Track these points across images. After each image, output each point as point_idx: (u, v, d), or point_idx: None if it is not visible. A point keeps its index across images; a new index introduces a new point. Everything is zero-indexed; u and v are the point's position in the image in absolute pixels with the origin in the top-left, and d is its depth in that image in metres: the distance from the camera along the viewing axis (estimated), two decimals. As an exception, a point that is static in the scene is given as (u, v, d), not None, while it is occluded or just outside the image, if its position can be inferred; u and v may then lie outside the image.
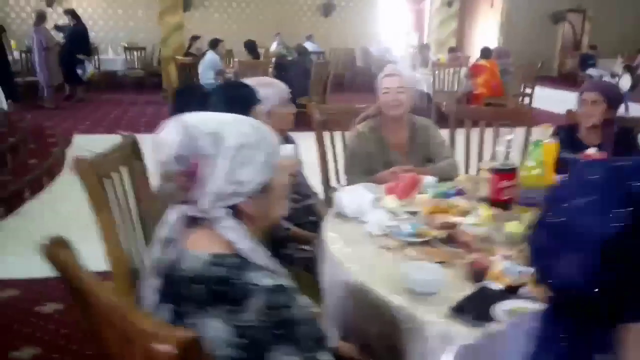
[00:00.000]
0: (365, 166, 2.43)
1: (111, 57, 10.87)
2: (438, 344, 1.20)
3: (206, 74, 7.46)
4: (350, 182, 2.36)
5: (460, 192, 2.04)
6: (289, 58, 8.15)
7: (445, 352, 1.17)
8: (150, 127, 7.32)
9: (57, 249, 0.95)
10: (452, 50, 10.53)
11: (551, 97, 9.43)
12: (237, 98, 1.67)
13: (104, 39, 10.75)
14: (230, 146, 0.98)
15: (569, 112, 2.86)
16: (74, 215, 4.04)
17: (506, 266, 1.39)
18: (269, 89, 1.93)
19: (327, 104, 6.51)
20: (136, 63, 10.97)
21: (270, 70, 7.49)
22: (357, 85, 12.08)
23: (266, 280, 0.95)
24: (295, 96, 2.55)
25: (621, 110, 2.64)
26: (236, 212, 1.02)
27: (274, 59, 8.24)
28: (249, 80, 1.95)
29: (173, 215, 1.06)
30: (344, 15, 13.46)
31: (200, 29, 10.25)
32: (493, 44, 11.69)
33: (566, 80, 14.53)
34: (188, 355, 0.63)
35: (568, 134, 2.55)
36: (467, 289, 1.36)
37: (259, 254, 1.00)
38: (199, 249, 1.01)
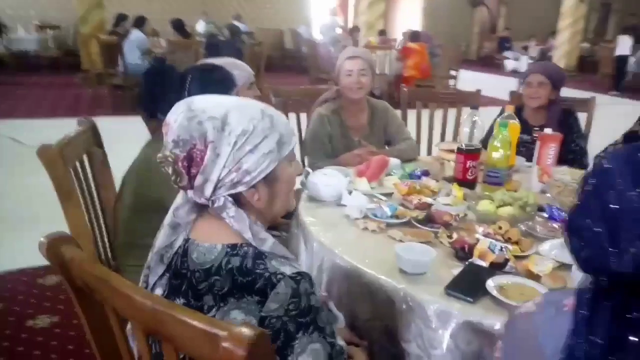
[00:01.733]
0: (327, 149, 2.42)
1: (22, 36, 10.09)
2: (438, 321, 1.23)
3: (132, 53, 7.12)
4: (312, 165, 2.34)
5: (426, 173, 2.09)
6: (221, 38, 7.91)
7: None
8: (73, 111, 6.96)
9: (60, 246, 0.88)
10: (382, 33, 10.68)
11: (473, 80, 9.82)
12: (215, 81, 1.59)
13: (13, 17, 9.93)
14: (234, 132, 0.93)
15: (514, 93, 2.99)
16: (6, 211, 3.76)
17: (489, 243, 1.44)
18: (235, 71, 1.86)
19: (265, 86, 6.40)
20: (50, 42, 10.26)
21: (201, 50, 7.25)
22: (287, 66, 12.00)
23: (287, 269, 0.93)
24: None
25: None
26: (240, 201, 0.98)
27: (204, 39, 7.98)
28: (214, 62, 1.87)
29: (179, 200, 1.02)
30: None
31: (120, 6, 9.72)
32: (416, 27, 11.97)
33: (485, 63, 15.22)
34: (258, 352, 0.60)
35: (514, 115, 2.66)
36: (454, 267, 1.40)
37: (268, 243, 0.97)
38: (210, 240, 0.97)
